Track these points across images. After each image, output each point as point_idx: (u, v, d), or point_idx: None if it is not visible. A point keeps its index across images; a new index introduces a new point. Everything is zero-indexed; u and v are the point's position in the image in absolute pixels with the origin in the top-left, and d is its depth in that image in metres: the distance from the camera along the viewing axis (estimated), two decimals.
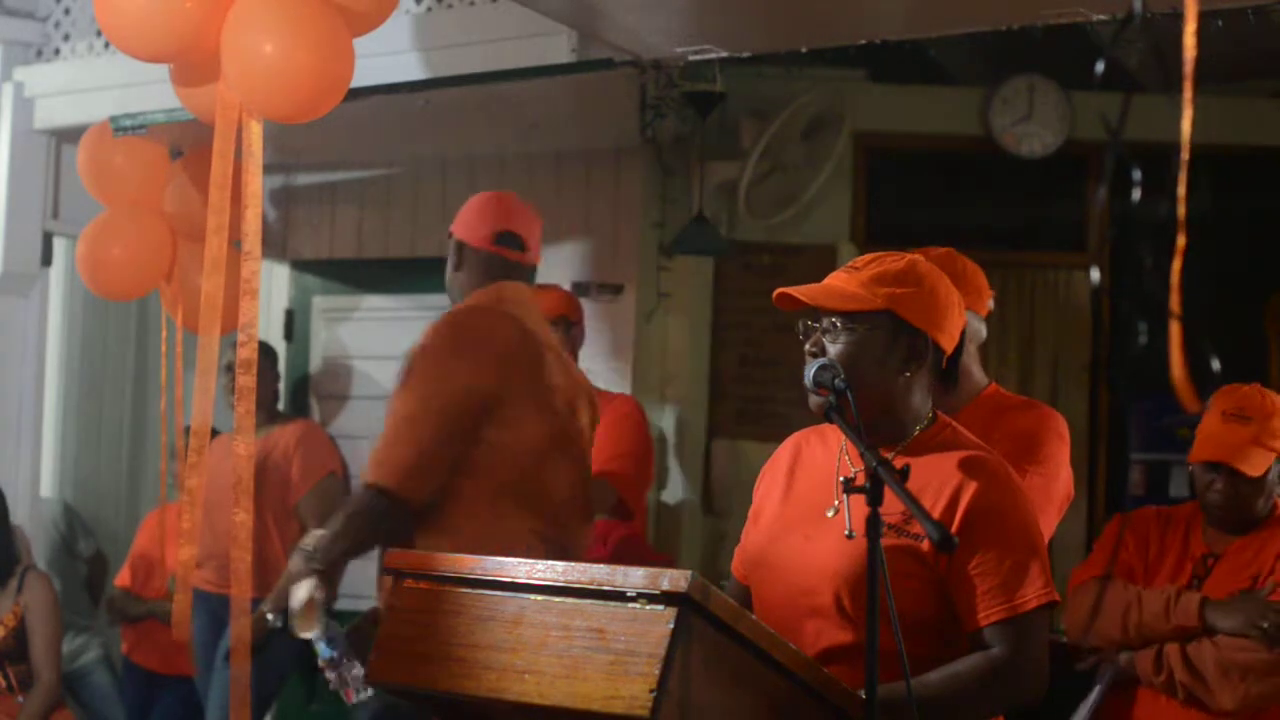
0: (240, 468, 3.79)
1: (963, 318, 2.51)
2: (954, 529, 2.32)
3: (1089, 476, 5.79)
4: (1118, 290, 5.68)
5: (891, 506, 2.24)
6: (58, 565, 6.28)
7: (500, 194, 3.71)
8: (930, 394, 2.49)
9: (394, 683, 2.40)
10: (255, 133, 3.72)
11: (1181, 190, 1.38)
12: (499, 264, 3.56)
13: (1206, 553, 3.33)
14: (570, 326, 4.52)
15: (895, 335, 2.42)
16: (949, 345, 2.47)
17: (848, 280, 2.45)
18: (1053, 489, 3.02)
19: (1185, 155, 1.36)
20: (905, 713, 2.19)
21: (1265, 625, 3.13)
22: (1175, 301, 1.38)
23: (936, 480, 2.38)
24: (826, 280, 2.48)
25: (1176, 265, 1.40)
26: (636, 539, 3.92)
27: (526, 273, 3.62)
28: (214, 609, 5.01)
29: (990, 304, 3.19)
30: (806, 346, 2.45)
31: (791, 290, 2.44)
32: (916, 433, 2.47)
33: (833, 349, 2.41)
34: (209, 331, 3.80)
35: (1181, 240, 1.39)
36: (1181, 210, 1.39)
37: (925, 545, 2.35)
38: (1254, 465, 3.26)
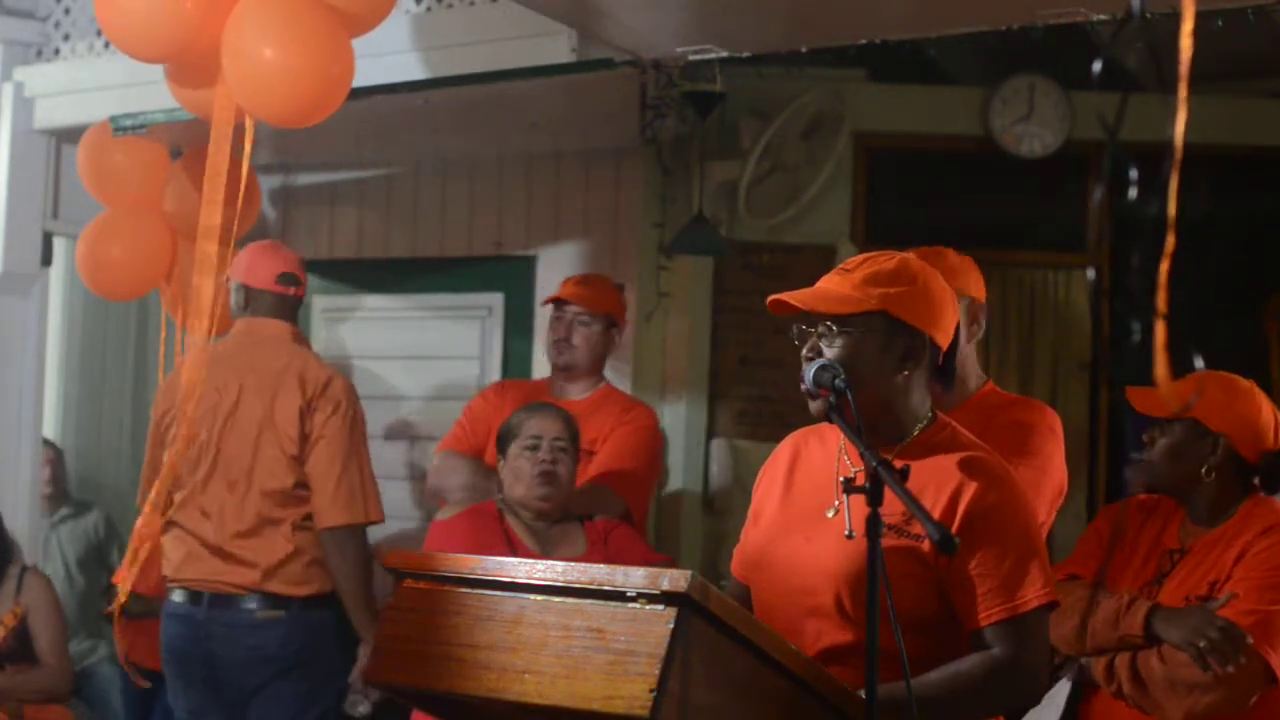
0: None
1: (957, 314, 2.51)
2: (954, 529, 2.33)
3: (1088, 475, 5.79)
4: (1116, 290, 5.68)
5: (891, 507, 2.24)
6: (88, 570, 6.29)
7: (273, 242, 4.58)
8: (929, 393, 2.49)
9: (394, 682, 2.41)
10: (249, 134, 3.73)
11: (1173, 190, 1.38)
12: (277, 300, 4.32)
13: (1176, 548, 3.30)
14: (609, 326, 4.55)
15: (891, 335, 2.42)
16: (944, 341, 2.47)
17: (840, 282, 2.44)
18: (1042, 482, 3.02)
19: (1179, 155, 1.36)
20: (905, 712, 2.19)
21: (1202, 644, 3.07)
22: (1162, 301, 1.38)
23: (936, 480, 2.39)
24: (819, 283, 2.47)
25: (1164, 266, 1.40)
26: (631, 532, 3.92)
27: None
28: None
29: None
30: (803, 351, 2.44)
31: (784, 296, 2.43)
32: (916, 433, 2.47)
33: (829, 352, 2.41)
34: (199, 331, 3.82)
35: (1171, 241, 1.39)
36: (1172, 210, 1.39)
37: (925, 545, 2.35)
38: (1144, 405, 3.20)
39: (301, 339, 4.38)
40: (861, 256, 2.49)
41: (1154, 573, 3.29)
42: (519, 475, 3.70)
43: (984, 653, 2.36)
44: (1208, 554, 3.25)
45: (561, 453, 3.72)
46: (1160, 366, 1.35)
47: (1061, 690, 3.34)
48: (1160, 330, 1.34)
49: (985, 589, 2.36)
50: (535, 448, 3.70)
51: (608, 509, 4.05)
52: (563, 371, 4.49)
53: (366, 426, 4.30)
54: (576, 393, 4.40)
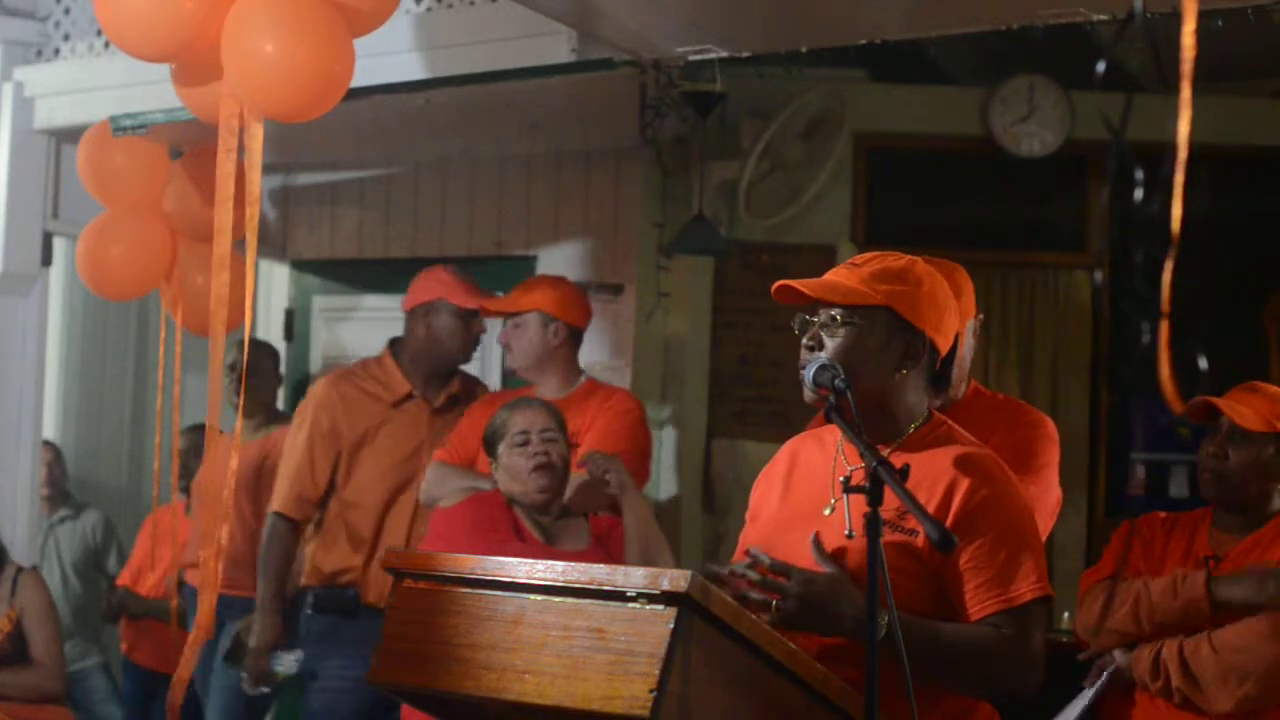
0: (221, 469, 3.91)
1: (958, 322, 2.54)
2: (948, 524, 2.34)
3: (1089, 476, 5.79)
4: (1118, 290, 5.68)
5: (887, 502, 2.25)
6: (84, 573, 6.27)
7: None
8: (925, 394, 2.50)
9: (394, 683, 2.40)
10: (256, 133, 3.72)
11: (1178, 191, 1.38)
12: None
13: (1209, 555, 3.31)
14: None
15: (892, 332, 2.44)
16: (944, 346, 2.49)
17: (848, 275, 2.47)
18: (1048, 498, 3.05)
19: (1183, 155, 1.36)
20: (910, 639, 2.21)
21: (1271, 587, 3.10)
22: (1166, 301, 1.38)
23: (930, 476, 2.40)
24: (827, 275, 2.51)
25: (1168, 265, 1.39)
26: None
27: None
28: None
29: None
30: (804, 341, 2.46)
31: (793, 282, 2.45)
32: (911, 430, 2.48)
33: (830, 343, 2.43)
34: (217, 331, 3.80)
35: (1175, 240, 1.39)
36: (1177, 210, 1.39)
37: (920, 541, 2.36)
38: (1247, 418, 3.24)
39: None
40: (871, 254, 2.52)
41: None
42: (514, 472, 3.67)
43: (994, 627, 2.36)
44: (1245, 559, 3.26)
45: (551, 443, 3.67)
46: (1164, 367, 1.34)
47: (1081, 699, 3.34)
48: (1164, 331, 1.34)
49: (979, 582, 2.37)
50: (525, 442, 3.66)
51: (595, 499, 4.01)
52: (517, 376, 4.51)
53: (305, 417, 4.59)
54: (554, 391, 4.38)
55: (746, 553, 2.41)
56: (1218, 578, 3.19)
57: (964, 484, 2.39)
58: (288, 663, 4.45)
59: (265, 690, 4.53)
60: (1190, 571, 3.23)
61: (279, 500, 4.53)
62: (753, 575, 2.35)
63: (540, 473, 3.64)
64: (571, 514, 3.75)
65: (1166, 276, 1.38)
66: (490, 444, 3.76)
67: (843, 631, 2.32)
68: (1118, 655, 3.32)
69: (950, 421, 2.54)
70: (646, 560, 3.63)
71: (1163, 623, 3.23)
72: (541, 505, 3.68)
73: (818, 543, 2.41)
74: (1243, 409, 3.25)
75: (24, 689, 4.85)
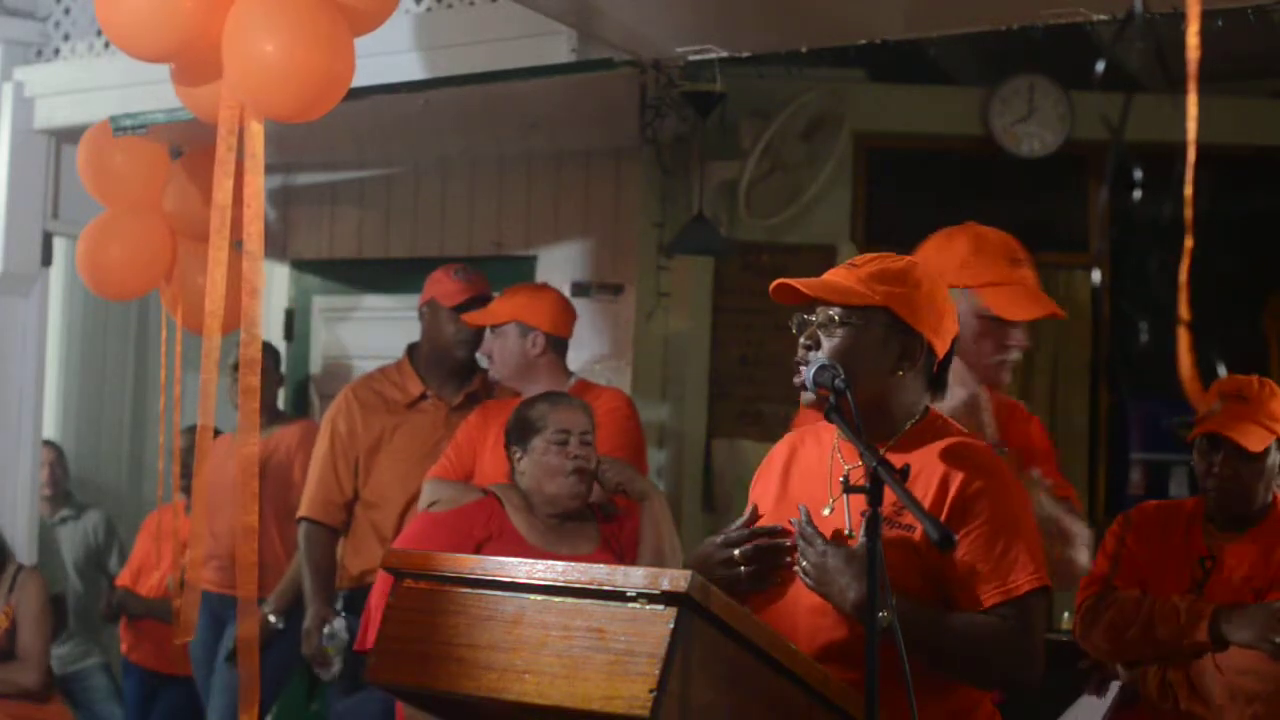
0: (246, 468, 3.85)
1: (956, 325, 2.53)
2: (942, 517, 2.35)
3: (1089, 476, 5.79)
4: (1118, 290, 5.68)
5: (884, 498, 2.25)
6: (86, 573, 6.27)
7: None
8: (924, 395, 2.51)
9: (394, 683, 2.41)
10: (256, 133, 3.72)
11: (1188, 193, 1.37)
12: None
13: (1205, 555, 3.31)
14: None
15: (890, 333, 2.45)
16: (941, 349, 2.50)
17: (847, 276, 2.48)
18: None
19: (1191, 157, 1.35)
20: (912, 627, 2.21)
21: (1278, 640, 3.11)
22: (1184, 305, 1.37)
23: (925, 470, 2.41)
24: (826, 275, 2.52)
25: (1184, 268, 1.38)
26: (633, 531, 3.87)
27: None
28: (214, 609, 5.01)
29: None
30: (801, 340, 2.47)
31: (792, 281, 2.46)
32: (907, 428, 2.48)
33: (828, 343, 2.44)
34: (212, 331, 3.80)
35: (1189, 243, 1.38)
36: (1189, 214, 1.38)
37: (917, 535, 2.36)
38: (1253, 440, 3.25)
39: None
40: (871, 255, 2.53)
41: (1189, 581, 3.29)
42: (549, 470, 3.56)
43: (996, 617, 2.37)
44: (1242, 561, 3.26)
45: (588, 447, 3.60)
46: (1185, 370, 1.34)
47: (1094, 707, 3.34)
48: (1183, 336, 1.33)
49: (977, 574, 2.37)
50: (564, 442, 3.57)
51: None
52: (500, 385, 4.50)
53: (327, 424, 4.67)
54: None
55: (798, 508, 2.47)
56: (1224, 614, 3.18)
57: (958, 476, 2.40)
58: (335, 631, 4.47)
59: (334, 671, 4.53)
60: (1194, 603, 3.22)
61: (306, 505, 4.60)
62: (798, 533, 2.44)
63: (577, 477, 3.57)
64: (585, 516, 3.70)
65: (1183, 281, 1.37)
66: (520, 434, 3.63)
67: (847, 611, 2.33)
68: (1121, 670, 3.32)
69: (946, 417, 2.54)
70: (658, 564, 3.61)
71: (1168, 655, 3.24)
72: (568, 509, 3.62)
73: (807, 513, 2.43)
74: (1246, 429, 3.25)
75: (6, 684, 4.87)
